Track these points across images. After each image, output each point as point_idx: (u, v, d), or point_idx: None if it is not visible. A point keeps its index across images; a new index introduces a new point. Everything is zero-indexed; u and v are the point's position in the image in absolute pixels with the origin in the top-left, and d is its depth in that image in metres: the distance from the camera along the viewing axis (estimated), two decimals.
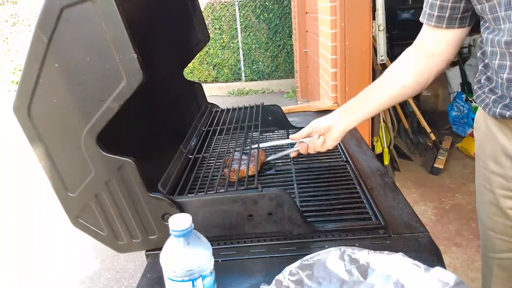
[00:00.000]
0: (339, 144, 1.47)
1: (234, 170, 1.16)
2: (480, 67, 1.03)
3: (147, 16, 1.29)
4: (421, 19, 1.04)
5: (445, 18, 0.98)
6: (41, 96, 0.85)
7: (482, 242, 1.22)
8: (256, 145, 1.26)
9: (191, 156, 1.33)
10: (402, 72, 1.09)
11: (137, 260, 2.81)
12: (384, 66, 3.36)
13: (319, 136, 1.13)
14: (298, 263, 0.78)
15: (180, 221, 0.68)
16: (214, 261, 0.74)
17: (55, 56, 0.82)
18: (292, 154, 1.24)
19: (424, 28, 1.04)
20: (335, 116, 1.14)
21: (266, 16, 7.73)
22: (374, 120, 3.21)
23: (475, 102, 4.23)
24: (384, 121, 3.49)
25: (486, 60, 0.99)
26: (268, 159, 1.30)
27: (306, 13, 5.36)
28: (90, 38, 0.81)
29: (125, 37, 0.79)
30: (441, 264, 0.82)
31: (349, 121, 1.11)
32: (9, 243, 3.21)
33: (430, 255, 0.86)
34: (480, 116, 1.08)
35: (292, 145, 1.35)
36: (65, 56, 0.82)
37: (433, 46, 1.03)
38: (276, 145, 1.42)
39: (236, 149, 1.30)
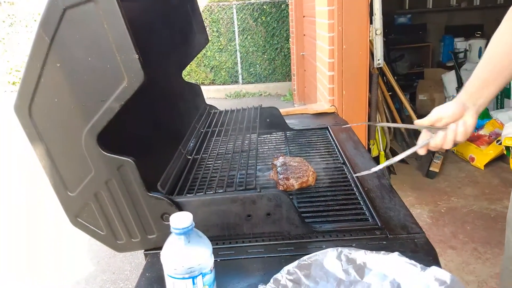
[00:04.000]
0: (336, 146, 1.48)
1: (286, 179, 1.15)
2: None
3: (147, 18, 1.30)
4: None
5: None
6: (42, 96, 0.86)
7: (508, 254, 1.17)
8: None
9: (190, 157, 1.34)
10: None
11: (133, 261, 2.80)
12: (380, 70, 3.39)
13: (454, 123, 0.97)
14: (296, 263, 0.79)
15: (181, 219, 0.69)
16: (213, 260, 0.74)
17: (57, 56, 0.83)
18: (421, 151, 1.03)
19: None
20: (463, 99, 0.98)
21: (263, 19, 7.75)
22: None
23: None
24: None
25: None
26: (396, 158, 1.05)
27: (304, 16, 5.39)
28: (92, 39, 0.82)
29: (127, 38, 0.80)
30: (437, 264, 0.83)
31: (481, 103, 0.97)
32: (4, 243, 3.19)
33: (426, 255, 0.87)
34: None
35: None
36: (67, 56, 0.83)
37: None
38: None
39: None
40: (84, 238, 1.05)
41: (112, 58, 0.81)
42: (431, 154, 3.75)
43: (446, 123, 0.97)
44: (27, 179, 4.09)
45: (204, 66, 8.12)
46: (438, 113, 0.98)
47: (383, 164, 1.06)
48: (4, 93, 8.90)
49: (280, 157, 1.28)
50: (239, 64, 8.05)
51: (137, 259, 2.80)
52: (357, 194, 1.14)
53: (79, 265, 2.83)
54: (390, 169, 3.60)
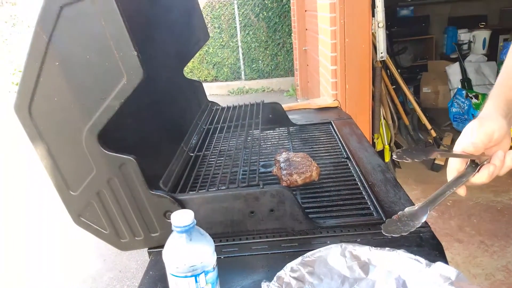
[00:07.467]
0: (339, 140, 1.47)
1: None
2: None
3: (147, 15, 1.28)
4: None
5: None
6: (42, 95, 0.85)
7: None
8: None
9: (192, 154, 1.33)
10: None
11: (139, 259, 2.81)
12: (383, 63, 3.36)
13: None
14: (299, 259, 0.78)
15: (182, 217, 0.68)
16: (217, 257, 0.74)
17: (55, 55, 0.82)
18: (461, 192, 0.80)
19: None
20: (505, 110, 0.78)
21: (265, 14, 7.71)
22: (374, 117, 3.21)
23: (475, 99, 4.24)
24: (384, 118, 3.48)
25: None
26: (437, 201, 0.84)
27: (306, 11, 5.35)
28: (90, 36, 0.81)
29: (125, 35, 0.79)
30: (443, 258, 0.82)
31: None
32: (12, 242, 3.21)
33: (432, 250, 0.86)
34: None
35: None
36: (65, 54, 0.82)
37: None
38: None
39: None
40: (90, 237, 1.05)
41: (111, 56, 0.80)
42: (436, 147, 3.72)
43: (494, 146, 0.77)
44: (31, 179, 4.10)
45: (206, 63, 8.10)
46: (487, 133, 0.75)
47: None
48: (9, 94, 8.93)
49: (283, 153, 1.27)
50: (241, 60, 8.02)
51: (143, 257, 2.80)
52: (361, 188, 1.13)
53: (86, 263, 2.84)
54: (395, 163, 3.58)
